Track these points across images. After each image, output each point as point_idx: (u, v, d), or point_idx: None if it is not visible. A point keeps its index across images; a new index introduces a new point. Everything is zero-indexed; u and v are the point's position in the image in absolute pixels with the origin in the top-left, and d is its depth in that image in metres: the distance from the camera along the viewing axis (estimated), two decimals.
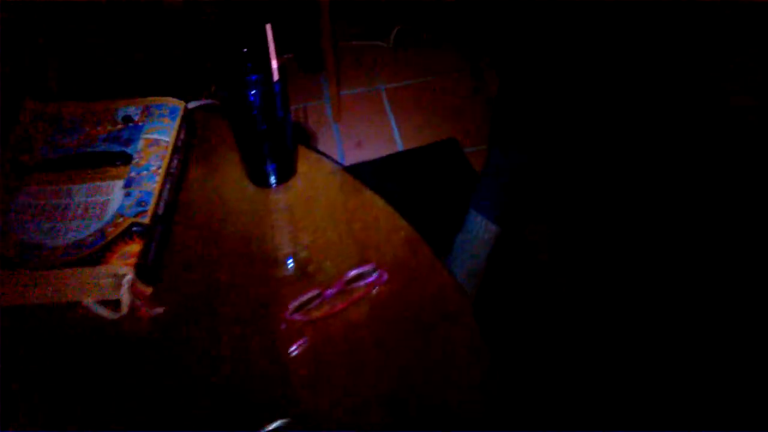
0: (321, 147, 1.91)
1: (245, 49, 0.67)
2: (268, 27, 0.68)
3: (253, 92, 0.70)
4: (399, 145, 1.90)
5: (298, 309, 0.66)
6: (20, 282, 0.66)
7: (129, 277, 0.66)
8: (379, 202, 0.77)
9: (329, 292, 0.67)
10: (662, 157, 1.00)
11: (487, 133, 1.66)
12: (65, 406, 0.60)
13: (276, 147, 0.77)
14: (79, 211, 0.71)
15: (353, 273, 0.68)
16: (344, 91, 2.07)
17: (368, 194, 0.78)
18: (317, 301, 0.67)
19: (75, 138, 0.78)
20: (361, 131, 1.96)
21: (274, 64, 0.70)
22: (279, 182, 0.80)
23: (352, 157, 1.87)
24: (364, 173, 1.83)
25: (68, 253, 0.67)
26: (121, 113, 0.80)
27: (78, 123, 0.80)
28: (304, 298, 0.67)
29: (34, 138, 0.78)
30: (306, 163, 0.82)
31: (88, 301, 0.68)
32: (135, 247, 0.67)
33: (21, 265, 0.66)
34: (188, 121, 0.83)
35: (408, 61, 2.19)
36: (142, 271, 0.67)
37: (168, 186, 0.75)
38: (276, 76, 0.71)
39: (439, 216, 1.55)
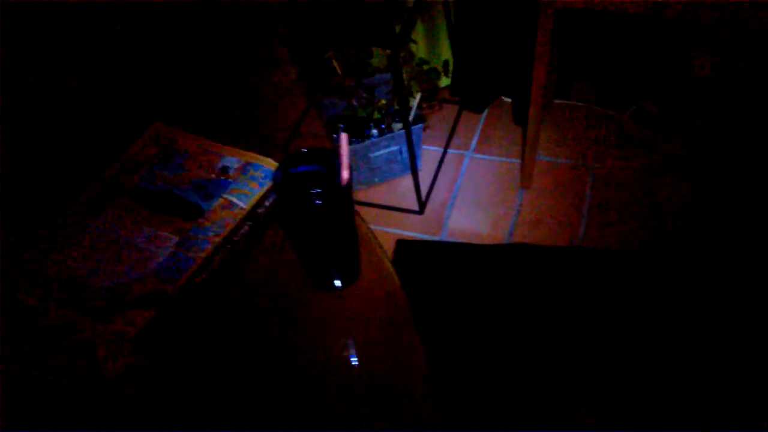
0: (497, 210, 1.78)
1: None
2: (344, 136, 0.60)
3: (316, 193, 0.63)
4: (580, 237, 1.69)
5: None
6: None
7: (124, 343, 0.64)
8: (416, 344, 0.66)
9: None
10: None
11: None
12: None
13: (335, 252, 0.69)
14: (132, 255, 0.71)
15: None
16: (545, 156, 1.90)
17: (409, 331, 0.67)
18: None
19: (172, 174, 0.79)
20: (544, 206, 1.78)
21: (345, 174, 0.62)
22: (343, 287, 0.72)
23: (521, 233, 1.71)
24: (528, 256, 1.65)
25: (93, 298, 0.67)
26: (222, 162, 0.79)
27: (184, 159, 0.80)
28: None
29: (142, 162, 0.80)
30: (374, 271, 0.73)
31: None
32: (142, 316, 0.65)
33: (55, 301, 0.68)
34: None
35: (635, 144, 1.92)
36: (143, 341, 0.65)
37: (219, 258, 0.72)
38: (344, 182, 0.63)
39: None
